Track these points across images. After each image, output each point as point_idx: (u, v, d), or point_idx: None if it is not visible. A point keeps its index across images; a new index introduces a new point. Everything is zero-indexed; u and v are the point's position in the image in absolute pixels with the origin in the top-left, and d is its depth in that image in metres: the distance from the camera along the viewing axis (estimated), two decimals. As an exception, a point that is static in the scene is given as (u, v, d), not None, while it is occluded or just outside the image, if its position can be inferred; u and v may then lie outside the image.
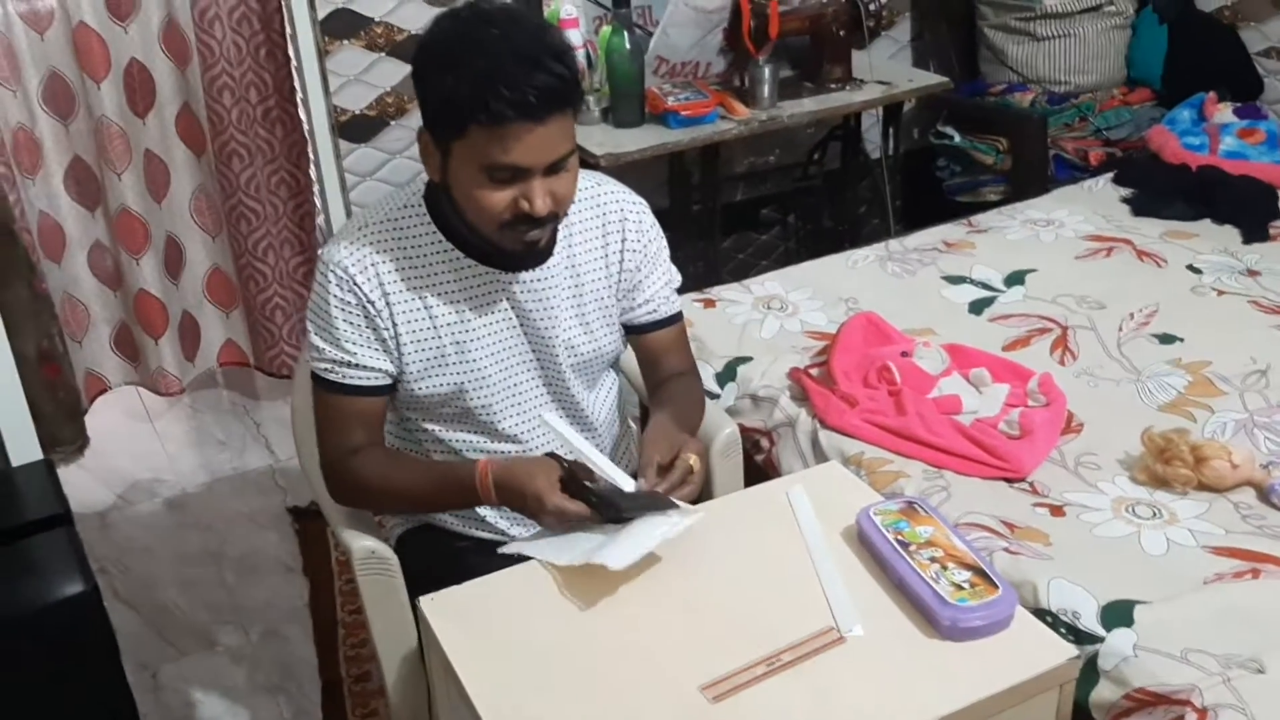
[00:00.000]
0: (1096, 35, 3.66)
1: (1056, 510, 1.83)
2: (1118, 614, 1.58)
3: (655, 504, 1.48)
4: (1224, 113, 3.25)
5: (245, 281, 3.20)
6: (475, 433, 1.71)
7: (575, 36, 2.93)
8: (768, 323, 2.43)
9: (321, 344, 1.61)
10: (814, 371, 2.20)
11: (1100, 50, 3.68)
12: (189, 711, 2.36)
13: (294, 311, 3.24)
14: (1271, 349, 2.23)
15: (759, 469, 2.12)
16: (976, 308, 2.47)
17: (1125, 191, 3.00)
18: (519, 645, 1.37)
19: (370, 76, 3.23)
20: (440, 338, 1.62)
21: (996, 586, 1.36)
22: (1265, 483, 1.84)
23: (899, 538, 1.44)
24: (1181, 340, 2.28)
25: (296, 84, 3.02)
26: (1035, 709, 1.32)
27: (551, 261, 1.66)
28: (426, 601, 1.44)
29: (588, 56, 3.02)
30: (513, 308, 1.66)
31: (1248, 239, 2.72)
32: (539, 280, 1.65)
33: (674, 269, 1.80)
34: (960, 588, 1.35)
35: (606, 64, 3.03)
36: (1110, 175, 3.11)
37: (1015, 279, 2.56)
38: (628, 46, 2.97)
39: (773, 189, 3.97)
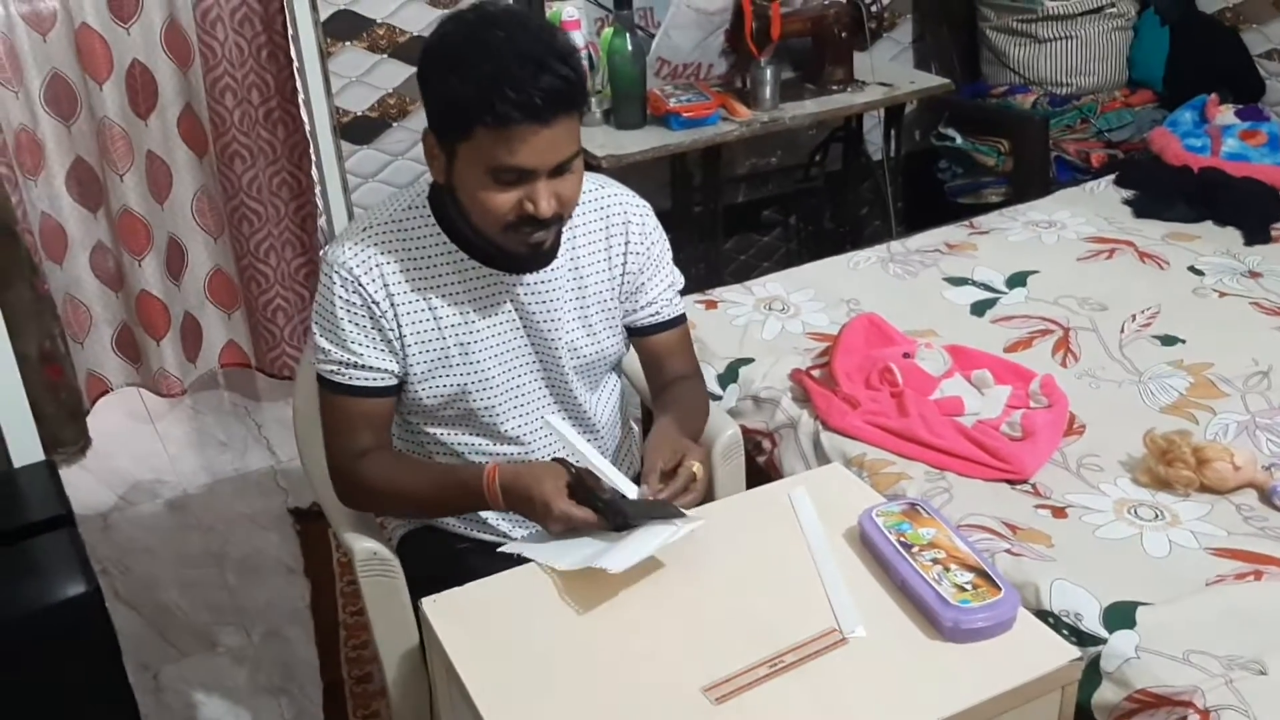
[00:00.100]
0: (1098, 37, 3.66)
1: (1058, 512, 1.83)
2: (1120, 615, 1.58)
3: (661, 512, 1.48)
4: (1226, 114, 3.25)
5: (247, 283, 3.21)
6: (477, 435, 1.71)
7: (577, 38, 2.93)
8: (769, 324, 2.43)
9: (327, 345, 1.61)
10: (816, 373, 2.20)
11: (1102, 52, 3.68)
12: (190, 712, 2.37)
13: (295, 313, 3.25)
14: (1273, 350, 2.22)
15: (761, 470, 2.12)
16: (978, 309, 2.47)
17: (1127, 193, 3.00)
18: (521, 646, 1.37)
19: (372, 78, 3.23)
20: (444, 339, 1.62)
21: (999, 588, 1.36)
22: (1267, 484, 1.84)
23: (901, 539, 1.44)
24: (1183, 342, 2.28)
25: (298, 85, 3.02)
26: (1037, 710, 1.32)
27: (555, 264, 1.66)
28: (428, 603, 1.44)
29: (589, 58, 3.02)
30: (516, 310, 1.66)
31: (1249, 241, 2.71)
32: (542, 282, 1.65)
33: (677, 271, 1.80)
34: (962, 589, 1.35)
35: (608, 66, 3.03)
36: (1112, 177, 3.11)
37: (1017, 280, 2.56)
38: (629, 48, 2.98)
39: (774, 190, 3.97)
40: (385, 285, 1.59)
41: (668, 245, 1.78)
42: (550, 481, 1.50)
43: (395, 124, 3.30)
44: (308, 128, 3.06)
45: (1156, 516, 1.80)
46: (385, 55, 3.22)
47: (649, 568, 1.44)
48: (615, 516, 1.47)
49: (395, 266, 1.59)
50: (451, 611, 1.43)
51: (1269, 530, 1.76)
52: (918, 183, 3.87)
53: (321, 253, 3.19)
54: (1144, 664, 1.51)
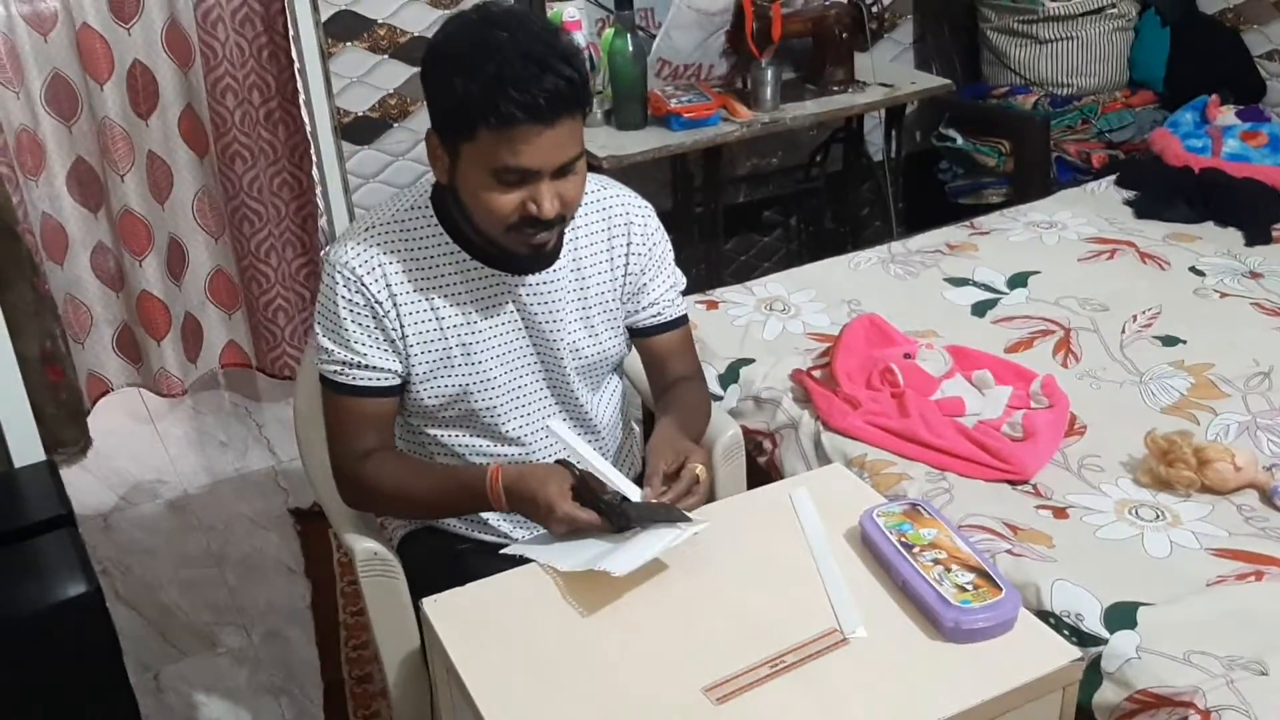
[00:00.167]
0: (1099, 38, 3.66)
1: (1059, 512, 1.83)
2: (1121, 616, 1.58)
3: (665, 515, 1.47)
4: (1226, 115, 3.25)
5: (247, 283, 3.21)
6: (478, 436, 1.71)
7: (578, 39, 2.93)
8: (770, 324, 2.43)
9: (330, 345, 1.61)
10: (816, 373, 2.20)
11: (1103, 53, 3.68)
12: (191, 713, 2.37)
13: (296, 313, 3.25)
14: (1274, 351, 2.22)
15: (762, 471, 2.12)
16: (979, 310, 2.47)
17: (1128, 194, 3.00)
18: (522, 647, 1.37)
19: (373, 78, 3.23)
20: (446, 339, 1.62)
21: (1000, 588, 1.36)
22: (1268, 485, 1.84)
23: (902, 539, 1.44)
24: (1184, 342, 2.28)
25: (299, 85, 3.02)
26: (1038, 711, 1.32)
27: (557, 265, 1.66)
28: (429, 603, 1.44)
29: (590, 59, 3.02)
30: (518, 310, 1.66)
31: (1250, 241, 2.71)
32: (545, 283, 1.65)
33: (679, 272, 1.80)
34: (963, 589, 1.35)
35: (609, 66, 3.03)
36: (1113, 177, 3.11)
37: (1018, 281, 2.56)
38: (630, 49, 2.98)
39: (775, 191, 3.97)
40: (388, 285, 1.59)
41: (669, 246, 1.78)
42: (554, 483, 1.50)
43: (396, 124, 3.30)
44: (308, 128, 3.06)
45: (1157, 517, 1.80)
46: (386, 56, 3.22)
47: (650, 569, 1.44)
48: (618, 519, 1.47)
49: (398, 267, 1.59)
50: (452, 612, 1.43)
51: (1270, 531, 1.76)
52: (918, 183, 3.87)
53: (323, 253, 3.20)
54: (1145, 664, 1.51)
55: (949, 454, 1.96)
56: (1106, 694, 1.53)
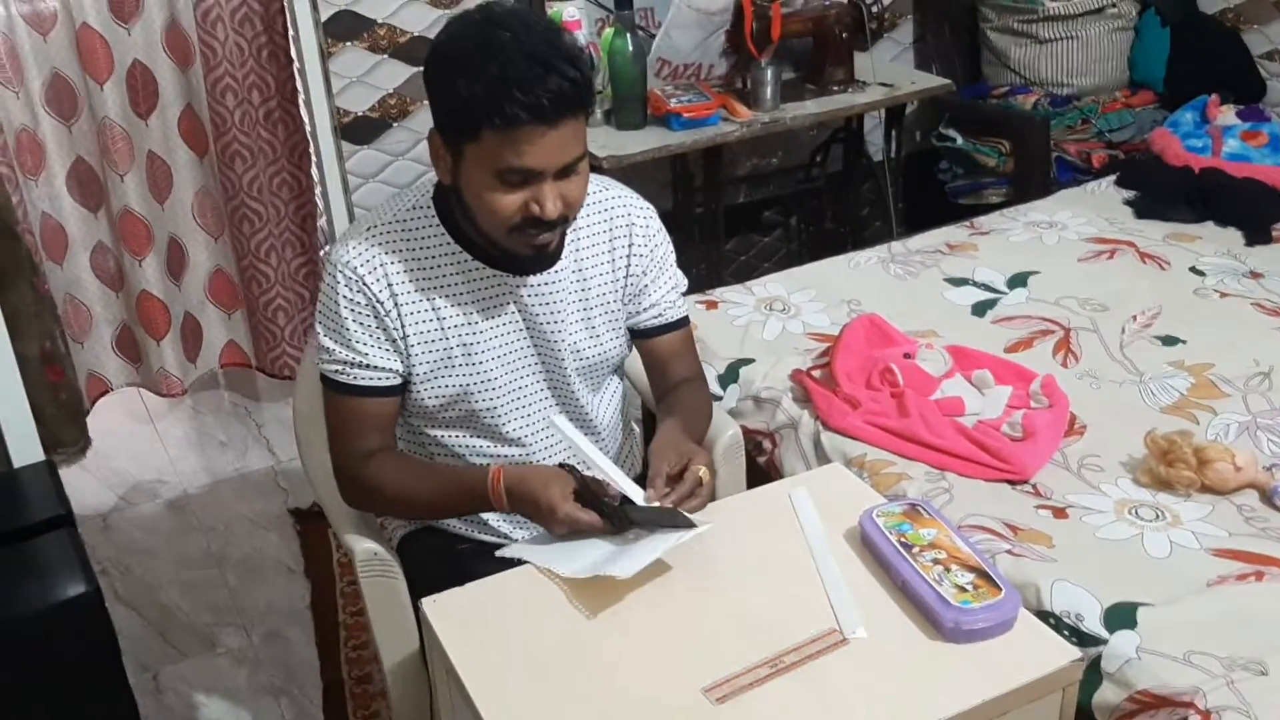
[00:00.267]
0: (1099, 38, 3.66)
1: (1059, 512, 1.83)
2: (1121, 616, 1.58)
3: (670, 519, 1.47)
4: (1227, 115, 3.25)
5: (247, 283, 3.21)
6: (479, 436, 1.71)
7: (578, 39, 2.93)
8: (770, 324, 2.43)
9: (332, 345, 1.61)
10: (816, 373, 2.20)
11: (1103, 53, 3.67)
12: (190, 713, 2.36)
13: (296, 313, 3.25)
14: (1274, 351, 2.22)
15: (761, 471, 2.12)
16: (979, 309, 2.47)
17: (1128, 194, 3.00)
18: (521, 647, 1.37)
19: (373, 78, 3.23)
20: (447, 340, 1.62)
21: (999, 588, 1.36)
22: (1268, 485, 1.84)
23: (902, 539, 1.44)
24: (1184, 342, 2.28)
25: (299, 85, 3.02)
26: (1038, 711, 1.32)
27: (559, 265, 1.66)
28: (429, 603, 1.44)
29: (590, 59, 3.02)
30: (519, 311, 1.65)
31: (1250, 241, 2.71)
32: (546, 284, 1.65)
33: (680, 273, 1.80)
34: (963, 589, 1.35)
35: (609, 66, 3.02)
36: (1113, 177, 3.10)
37: (1018, 281, 2.56)
38: (630, 49, 2.97)
39: (775, 191, 3.97)
40: (389, 285, 1.59)
41: (671, 247, 1.78)
42: (556, 486, 1.50)
43: (396, 124, 3.30)
44: (308, 128, 3.06)
45: (1157, 517, 1.80)
46: (386, 55, 3.22)
47: (650, 569, 1.43)
48: (620, 521, 1.47)
49: (399, 266, 1.59)
50: (452, 612, 1.43)
51: (1270, 531, 1.76)
52: (918, 183, 3.87)
53: (323, 252, 3.20)
54: (1145, 665, 1.51)
55: (949, 454, 1.96)
56: (1106, 694, 1.53)
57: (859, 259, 2.72)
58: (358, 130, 3.26)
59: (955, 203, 3.69)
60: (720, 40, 3.20)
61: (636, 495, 1.50)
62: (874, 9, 3.33)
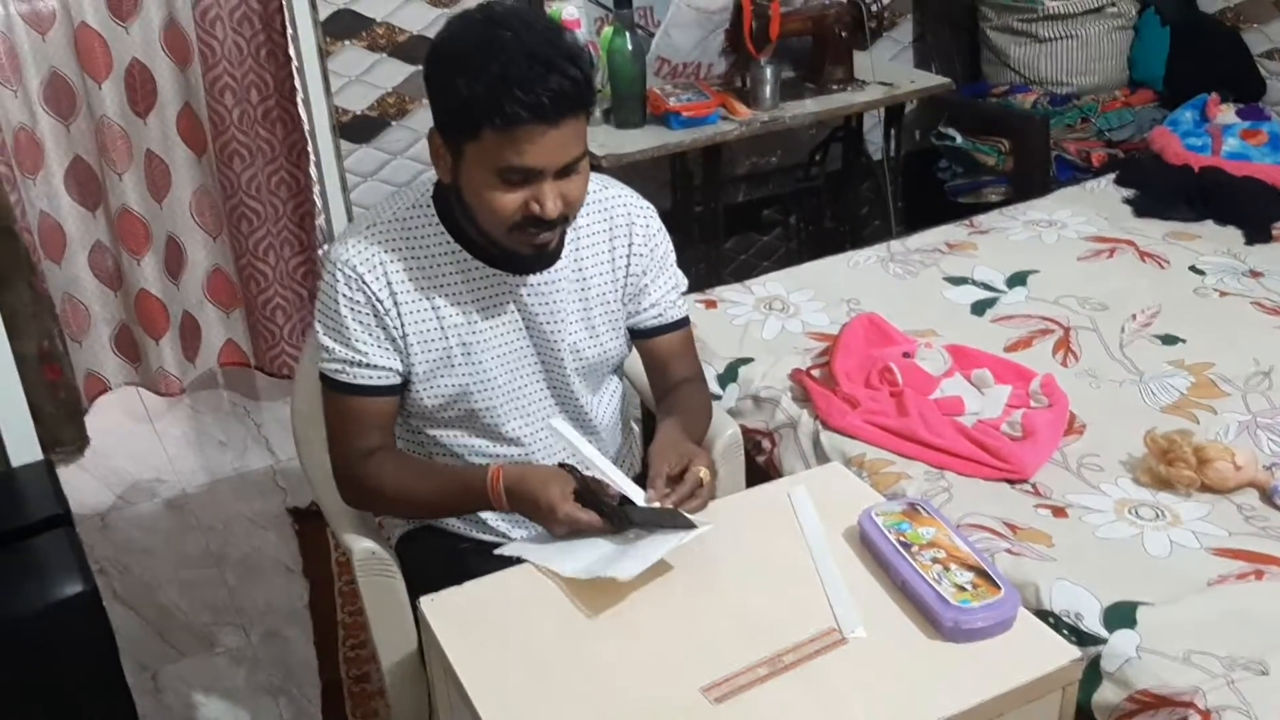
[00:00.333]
0: (1099, 37, 3.66)
1: (1059, 511, 1.82)
2: (1120, 615, 1.57)
3: (671, 520, 1.47)
4: (1226, 114, 3.25)
5: (246, 282, 3.20)
6: (478, 436, 1.71)
7: (578, 38, 2.92)
8: (769, 323, 2.43)
9: (331, 344, 1.60)
10: (815, 372, 2.19)
11: (1102, 52, 3.67)
12: (189, 713, 2.36)
13: (294, 312, 3.24)
14: (1274, 350, 2.22)
15: (760, 470, 2.11)
16: (978, 309, 2.47)
17: (1127, 193, 2.99)
18: (520, 646, 1.37)
19: (371, 77, 3.23)
20: (447, 339, 1.62)
21: (999, 587, 1.35)
22: (1268, 484, 1.83)
23: (901, 539, 1.44)
24: (1184, 341, 2.28)
25: (297, 84, 3.01)
26: (1038, 711, 1.32)
27: (559, 265, 1.65)
28: (427, 602, 1.44)
29: (590, 58, 3.01)
30: (519, 311, 1.65)
31: (1250, 240, 2.71)
32: (546, 283, 1.65)
33: (680, 273, 1.80)
34: (962, 589, 1.35)
35: (608, 65, 3.02)
36: (1112, 176, 3.10)
37: (1017, 280, 2.56)
38: (629, 47, 2.97)
39: (774, 190, 3.97)
40: (389, 283, 1.58)
41: (671, 247, 1.78)
42: (555, 485, 1.50)
43: (394, 123, 3.30)
44: (306, 126, 3.05)
45: (1157, 516, 1.80)
46: (384, 54, 3.22)
47: (649, 568, 1.43)
48: (620, 521, 1.47)
49: (399, 265, 1.59)
50: (450, 611, 1.43)
51: (1270, 530, 1.76)
52: (918, 182, 3.86)
53: (322, 251, 3.20)
54: (1145, 664, 1.51)
55: (948, 453, 1.95)
56: (1106, 694, 1.52)
57: (858, 258, 2.72)
58: (356, 129, 3.26)
59: (955, 202, 3.68)
60: (719, 39, 3.20)
61: (636, 496, 1.49)
62: (873, 8, 3.33)
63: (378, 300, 1.58)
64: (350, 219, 3.15)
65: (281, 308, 3.22)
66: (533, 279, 1.64)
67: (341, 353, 1.59)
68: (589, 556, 1.47)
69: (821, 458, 2.02)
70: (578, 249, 1.67)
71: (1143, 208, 2.88)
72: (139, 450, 3.23)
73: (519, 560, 1.51)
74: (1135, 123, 3.52)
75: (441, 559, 1.71)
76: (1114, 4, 3.65)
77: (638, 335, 1.77)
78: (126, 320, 3.17)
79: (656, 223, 1.75)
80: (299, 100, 3.04)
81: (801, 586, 1.43)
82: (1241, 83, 3.50)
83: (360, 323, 1.58)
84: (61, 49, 2.83)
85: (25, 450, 2.36)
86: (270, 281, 3.18)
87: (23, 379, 2.43)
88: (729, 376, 2.26)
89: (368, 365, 1.60)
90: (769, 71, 3.10)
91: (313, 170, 3.11)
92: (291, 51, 2.97)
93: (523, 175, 1.47)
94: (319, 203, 3.18)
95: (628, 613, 1.40)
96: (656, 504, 1.49)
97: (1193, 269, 2.57)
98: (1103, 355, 2.27)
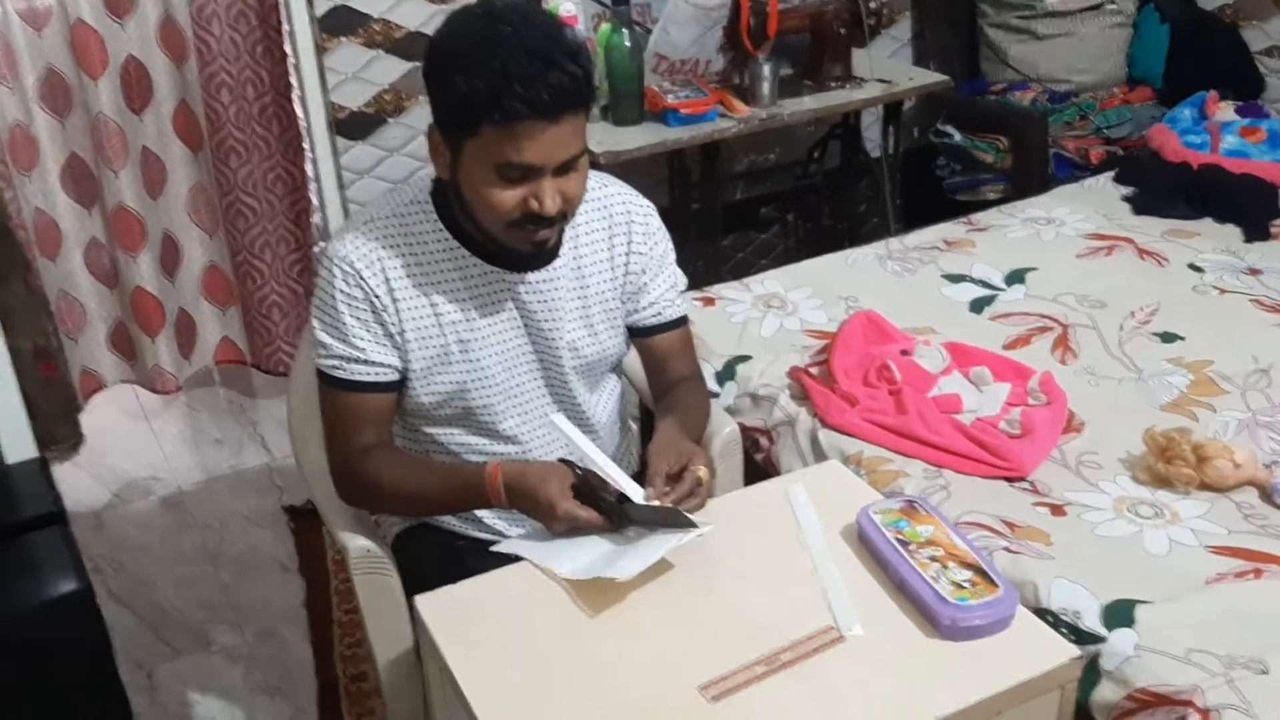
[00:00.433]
0: (1097, 34, 3.65)
1: (1057, 509, 1.82)
2: (1119, 614, 1.57)
3: (668, 518, 1.46)
4: (1225, 111, 3.24)
5: (242, 279, 3.19)
6: (475, 434, 1.70)
7: (577, 34, 2.92)
8: (767, 321, 2.42)
9: (328, 340, 1.59)
10: (814, 370, 2.19)
11: (1101, 49, 3.67)
12: (185, 711, 2.35)
13: (291, 309, 3.24)
14: (1273, 348, 2.22)
15: (758, 468, 2.11)
16: (977, 306, 2.46)
17: (1126, 190, 2.99)
18: (515, 644, 1.36)
19: (368, 73, 3.22)
20: (444, 336, 1.61)
21: (997, 586, 1.35)
22: (1268, 482, 1.83)
23: (899, 537, 1.43)
24: (1183, 339, 2.27)
25: (294, 81, 3.01)
26: (1036, 709, 1.32)
27: (557, 263, 1.65)
28: (422, 601, 1.43)
29: (589, 54, 3.01)
30: (518, 308, 1.64)
31: (1249, 238, 2.71)
32: (545, 281, 1.64)
33: (680, 272, 1.79)
34: (961, 587, 1.35)
35: (606, 62, 3.01)
36: (1111, 174, 3.10)
37: (1016, 277, 2.55)
38: (627, 44, 2.96)
39: (773, 187, 3.96)
40: (387, 280, 1.58)
41: (671, 246, 1.78)
42: (555, 481, 1.49)
43: (391, 119, 3.29)
44: (303, 123, 3.05)
45: (1156, 514, 1.79)
46: (381, 50, 3.21)
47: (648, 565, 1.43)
48: (619, 519, 1.46)
49: (397, 262, 1.58)
50: (446, 609, 1.42)
51: (1270, 528, 1.75)
52: (916, 180, 3.86)
53: (319, 248, 3.19)
54: (1144, 663, 1.50)
55: (946, 451, 1.95)
56: (1105, 692, 1.52)
57: (856, 256, 2.72)
58: (352, 126, 3.25)
59: (953, 199, 3.68)
60: (717, 36, 3.20)
61: (635, 493, 1.49)
62: (872, 5, 3.32)
63: (375, 297, 1.57)
64: (347, 216, 3.16)
65: (278, 305, 3.21)
66: (531, 277, 1.63)
67: (339, 349, 1.59)
68: (587, 556, 1.46)
69: (819, 456, 2.02)
70: (577, 247, 1.67)
71: (1141, 205, 2.88)
72: (134, 448, 3.22)
73: (515, 558, 1.51)
74: (1134, 120, 3.51)
75: (438, 557, 1.70)
76: (1113, 1, 3.64)
77: (636, 334, 1.77)
78: (122, 317, 3.16)
79: (656, 221, 1.74)
80: (295, 97, 3.04)
81: (799, 585, 1.43)
82: (1240, 80, 3.50)
83: (358, 319, 1.58)
84: (57, 46, 2.82)
85: (20, 447, 2.35)
86: (266, 279, 3.18)
87: (18, 376, 2.43)
88: (727, 374, 2.25)
89: (365, 362, 1.59)
90: (767, 68, 3.10)
91: (309, 167, 3.11)
92: (288, 48, 2.97)
93: (522, 172, 1.46)
94: (315, 200, 3.17)
95: (624, 611, 1.40)
96: (655, 502, 1.48)
97: (1192, 266, 2.56)
98: (1101, 353, 2.26)
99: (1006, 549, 1.70)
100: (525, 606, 1.42)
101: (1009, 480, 1.90)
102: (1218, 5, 3.65)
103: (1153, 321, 2.35)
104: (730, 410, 2.15)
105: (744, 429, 2.03)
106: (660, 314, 1.76)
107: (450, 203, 1.59)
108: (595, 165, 2.70)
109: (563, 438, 1.63)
